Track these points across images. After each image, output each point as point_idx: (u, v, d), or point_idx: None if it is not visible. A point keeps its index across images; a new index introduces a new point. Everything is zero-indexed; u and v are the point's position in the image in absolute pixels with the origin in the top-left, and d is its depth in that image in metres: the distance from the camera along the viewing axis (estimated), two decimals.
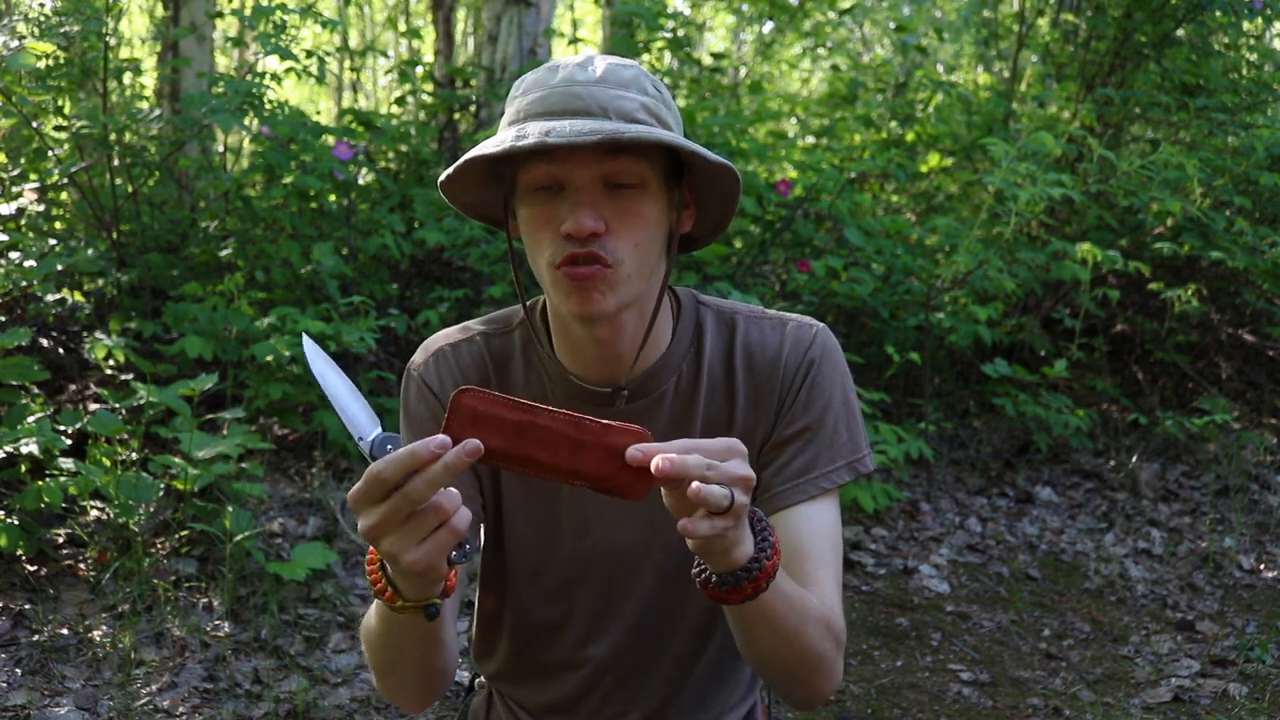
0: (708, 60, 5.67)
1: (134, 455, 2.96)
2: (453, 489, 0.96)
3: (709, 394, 1.33)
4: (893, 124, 5.64)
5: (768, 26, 7.54)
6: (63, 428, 2.95)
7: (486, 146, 1.16)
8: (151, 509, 2.95)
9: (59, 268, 3.45)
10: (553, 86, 1.19)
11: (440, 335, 1.39)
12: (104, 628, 2.61)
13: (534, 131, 1.13)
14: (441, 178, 1.23)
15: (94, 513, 2.96)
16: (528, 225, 1.23)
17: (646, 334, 1.29)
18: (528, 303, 1.37)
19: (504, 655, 1.45)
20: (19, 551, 2.76)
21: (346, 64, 7.19)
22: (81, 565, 2.83)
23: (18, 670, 2.42)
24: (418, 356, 1.38)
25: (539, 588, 1.38)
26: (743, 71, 7.49)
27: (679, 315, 1.36)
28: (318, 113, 6.54)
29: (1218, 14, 4.94)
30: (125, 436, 3.05)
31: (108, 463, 2.91)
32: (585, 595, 1.37)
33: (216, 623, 2.70)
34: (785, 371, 1.32)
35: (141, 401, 2.96)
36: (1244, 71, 5.43)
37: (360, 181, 4.31)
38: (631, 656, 1.38)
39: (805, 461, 1.31)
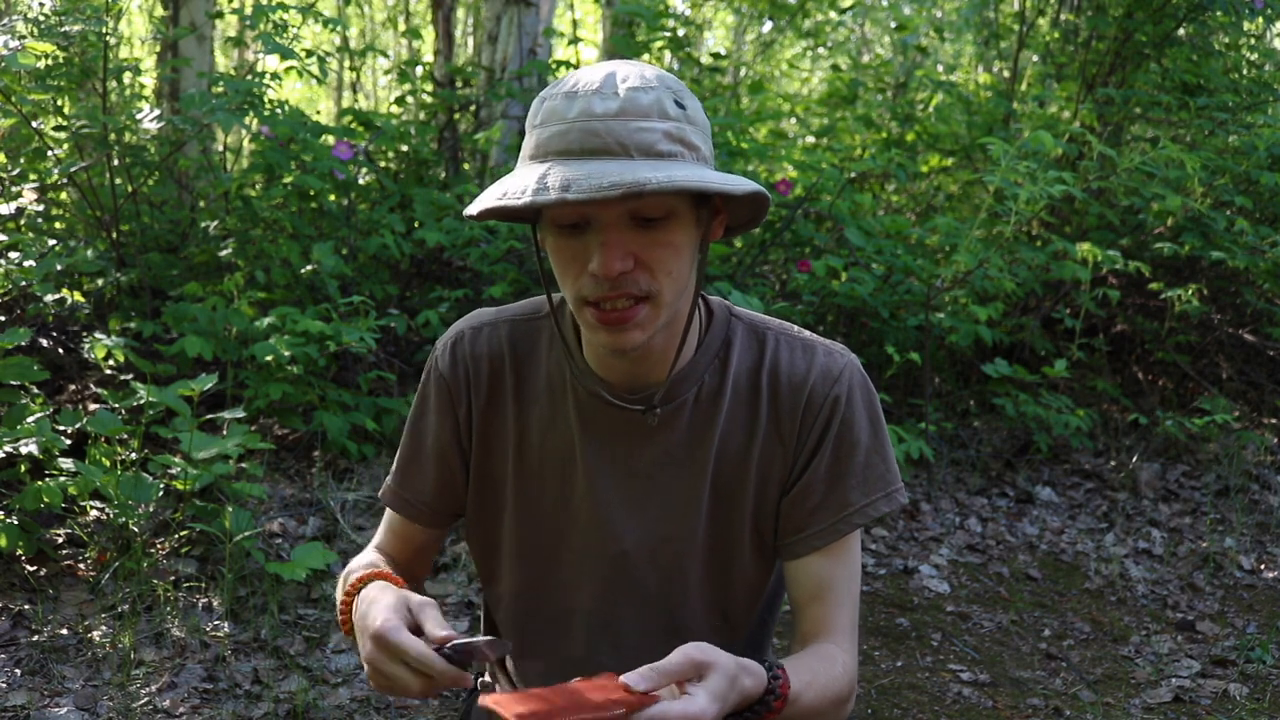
0: (708, 60, 5.66)
1: (134, 455, 2.96)
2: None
3: (731, 408, 1.32)
4: (893, 124, 5.63)
5: (767, 26, 7.53)
6: (62, 428, 2.94)
7: (509, 194, 1.13)
8: (151, 509, 2.95)
9: (58, 268, 3.44)
10: (571, 121, 1.15)
11: (474, 315, 1.41)
12: (104, 628, 2.61)
13: (554, 183, 1.10)
14: (466, 212, 1.21)
15: (94, 513, 2.96)
16: (555, 257, 1.22)
17: (680, 346, 1.28)
18: (555, 299, 1.36)
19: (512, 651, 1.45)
20: (19, 551, 2.76)
21: (346, 64, 7.19)
22: (81, 565, 2.83)
23: (17, 670, 2.42)
24: (446, 333, 1.41)
25: (544, 583, 1.38)
26: (743, 71, 7.48)
27: (709, 324, 1.34)
28: (318, 113, 6.53)
29: (1218, 14, 4.94)
30: (125, 436, 3.05)
31: (107, 463, 2.91)
32: (590, 593, 1.37)
33: (216, 623, 2.70)
34: (810, 403, 1.30)
35: (141, 401, 2.96)
36: (1244, 71, 5.43)
37: (360, 181, 4.31)
38: (637, 660, 1.37)
39: (839, 500, 1.31)
